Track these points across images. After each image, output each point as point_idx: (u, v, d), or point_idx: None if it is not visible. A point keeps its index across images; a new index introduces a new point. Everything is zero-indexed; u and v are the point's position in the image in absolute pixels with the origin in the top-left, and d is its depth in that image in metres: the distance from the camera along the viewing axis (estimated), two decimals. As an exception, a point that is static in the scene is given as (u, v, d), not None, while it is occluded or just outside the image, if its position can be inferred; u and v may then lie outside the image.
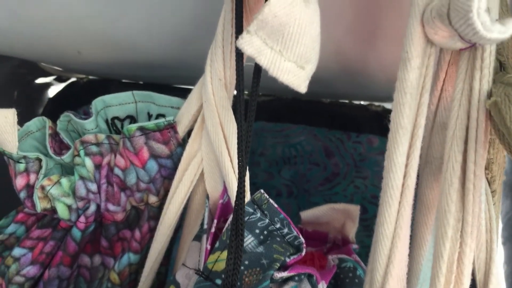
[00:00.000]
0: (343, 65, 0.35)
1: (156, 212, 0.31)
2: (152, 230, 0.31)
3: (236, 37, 0.21)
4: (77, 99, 0.56)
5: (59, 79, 0.55)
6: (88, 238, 0.32)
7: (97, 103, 0.31)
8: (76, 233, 0.30)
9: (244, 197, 0.21)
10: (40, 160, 0.30)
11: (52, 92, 0.56)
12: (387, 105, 0.50)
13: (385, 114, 0.46)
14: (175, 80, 0.51)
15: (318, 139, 0.50)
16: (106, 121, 0.31)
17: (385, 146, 0.21)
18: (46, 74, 0.53)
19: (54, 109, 0.57)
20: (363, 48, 0.33)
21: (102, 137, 0.30)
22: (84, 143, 0.29)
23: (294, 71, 0.21)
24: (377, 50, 0.33)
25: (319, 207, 0.34)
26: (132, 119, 0.31)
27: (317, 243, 0.35)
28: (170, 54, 0.40)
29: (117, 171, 0.29)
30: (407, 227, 0.21)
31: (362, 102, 0.49)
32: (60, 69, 0.51)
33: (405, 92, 0.20)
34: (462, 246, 0.20)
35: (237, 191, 0.21)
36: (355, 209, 0.33)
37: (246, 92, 0.37)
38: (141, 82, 0.54)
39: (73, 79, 0.56)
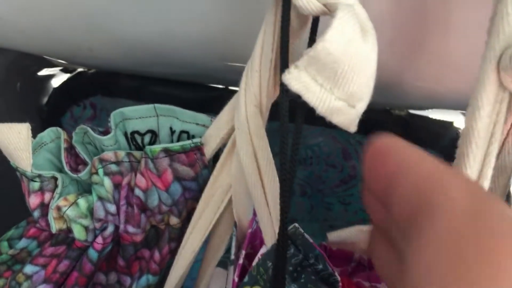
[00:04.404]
0: (377, 76, 0.33)
1: (178, 234, 0.29)
2: (172, 252, 0.29)
3: (282, 71, 0.19)
4: (83, 89, 0.54)
5: (65, 70, 0.53)
6: (105, 257, 0.30)
7: (116, 115, 0.29)
8: (93, 254, 0.29)
9: (286, 247, 0.19)
10: (55, 179, 0.28)
11: (57, 82, 0.54)
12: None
13: (409, 119, 0.44)
14: (186, 77, 0.48)
15: (336, 141, 0.48)
16: (125, 134, 0.29)
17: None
18: (51, 65, 0.51)
19: (59, 99, 0.55)
20: (401, 62, 0.30)
21: (122, 154, 0.28)
22: (103, 161, 0.27)
23: (344, 110, 0.19)
24: (415, 65, 0.30)
25: (346, 229, 0.32)
26: (153, 133, 0.29)
27: (341, 262, 0.34)
28: (187, 56, 0.38)
29: (138, 192, 0.27)
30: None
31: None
32: (66, 63, 0.49)
33: (470, 142, 0.18)
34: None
35: (278, 241, 0.19)
36: (384, 232, 0.31)
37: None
38: (151, 77, 0.51)
39: (80, 69, 0.53)
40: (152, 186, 0.27)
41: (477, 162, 0.18)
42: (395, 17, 0.28)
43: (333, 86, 0.18)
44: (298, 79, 0.18)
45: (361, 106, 0.20)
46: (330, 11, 0.19)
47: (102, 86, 0.53)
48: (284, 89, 0.20)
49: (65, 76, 0.53)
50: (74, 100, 0.55)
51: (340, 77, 0.18)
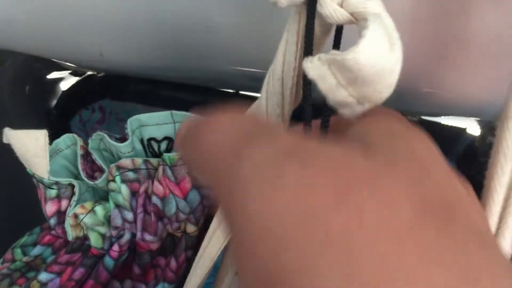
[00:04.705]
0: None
1: (194, 242, 0.29)
2: (189, 259, 0.29)
3: (304, 81, 0.19)
4: (92, 93, 0.54)
5: (74, 73, 0.53)
6: (120, 265, 0.30)
7: (132, 122, 0.29)
8: (109, 262, 0.29)
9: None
10: (72, 186, 0.28)
11: (66, 85, 0.53)
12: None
13: (423, 125, 0.44)
14: (196, 81, 0.48)
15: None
16: (141, 141, 0.29)
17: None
18: (60, 68, 0.51)
19: (68, 102, 0.54)
20: (417, 68, 0.30)
21: (139, 162, 0.28)
22: (121, 168, 0.27)
23: (352, 105, 0.19)
24: (432, 71, 0.30)
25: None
26: (170, 140, 0.29)
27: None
28: (198, 60, 0.37)
29: (155, 199, 0.27)
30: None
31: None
32: (76, 66, 0.49)
33: (499, 152, 0.18)
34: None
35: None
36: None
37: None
38: (160, 80, 0.51)
39: (89, 73, 0.53)
40: (170, 194, 0.27)
41: (506, 172, 0.18)
42: (413, 22, 0.28)
43: (349, 84, 0.18)
44: (317, 70, 0.18)
45: (369, 106, 0.20)
46: (357, 19, 0.19)
47: (112, 89, 0.53)
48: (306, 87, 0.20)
49: (74, 79, 0.53)
50: (83, 103, 0.55)
51: (360, 81, 0.18)
